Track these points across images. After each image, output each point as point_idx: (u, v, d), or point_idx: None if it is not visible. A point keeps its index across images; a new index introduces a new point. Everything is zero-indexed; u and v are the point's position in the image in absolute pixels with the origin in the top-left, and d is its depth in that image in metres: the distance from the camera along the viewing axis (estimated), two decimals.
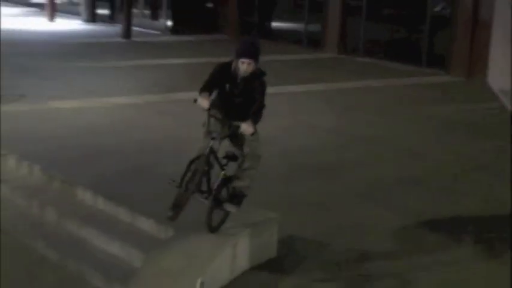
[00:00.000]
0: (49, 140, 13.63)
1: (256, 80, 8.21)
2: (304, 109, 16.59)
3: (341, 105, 17.20)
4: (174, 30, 29.26)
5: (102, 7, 31.96)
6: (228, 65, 8.28)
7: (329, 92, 18.42)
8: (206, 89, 8.14)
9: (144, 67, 21.18)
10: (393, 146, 14.07)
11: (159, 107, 16.37)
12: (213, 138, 8.14)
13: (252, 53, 8.13)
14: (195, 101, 8.17)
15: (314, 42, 25.28)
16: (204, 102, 8.05)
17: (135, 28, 27.46)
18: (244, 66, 8.06)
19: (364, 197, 11.22)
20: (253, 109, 8.11)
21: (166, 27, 29.82)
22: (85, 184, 11.27)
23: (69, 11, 31.85)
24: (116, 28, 27.78)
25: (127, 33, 26.62)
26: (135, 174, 11.63)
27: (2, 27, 27.80)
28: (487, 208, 10.92)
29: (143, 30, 28.54)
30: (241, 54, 8.09)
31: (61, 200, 11.31)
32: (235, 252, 8.84)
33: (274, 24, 28.14)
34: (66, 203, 11.17)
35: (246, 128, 7.98)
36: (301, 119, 15.62)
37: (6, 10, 34.08)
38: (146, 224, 10.06)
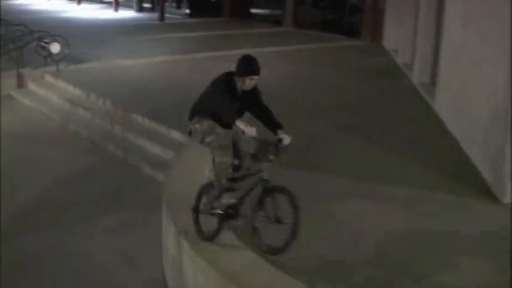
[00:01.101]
0: (115, 83, 14.29)
1: (254, 88, 5.90)
2: (267, 62, 16.62)
3: (292, 60, 17.19)
4: (191, 15, 29.74)
5: (147, 1, 32.54)
6: (232, 85, 5.73)
7: (284, 52, 18.64)
8: (237, 116, 5.62)
9: (173, 38, 21.71)
10: (324, 84, 13.99)
11: (182, 63, 16.82)
12: (269, 161, 5.45)
13: (259, 69, 5.85)
14: (243, 132, 5.44)
15: (277, 20, 25.86)
16: (251, 130, 5.40)
17: (166, 15, 27.84)
18: (252, 82, 5.79)
19: (309, 116, 11.09)
20: (274, 117, 5.81)
21: (186, 13, 30.28)
22: (138, 111, 11.75)
23: (127, 5, 32.46)
24: (155, 15, 28.19)
25: (161, 17, 27.26)
26: (171, 106, 11.85)
27: (84, 16, 29.21)
28: (387, 117, 11.02)
29: (172, 15, 29.01)
30: (251, 71, 5.75)
31: (123, 121, 11.82)
32: None
33: (253, 10, 28.62)
34: (127, 123, 11.66)
35: (288, 138, 5.61)
36: (264, 69, 15.56)
37: (87, 5, 34.67)
38: (176, 135, 10.38)
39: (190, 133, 5.96)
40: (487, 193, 7.63)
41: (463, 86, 9.61)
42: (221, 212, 5.79)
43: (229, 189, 5.74)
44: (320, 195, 7.29)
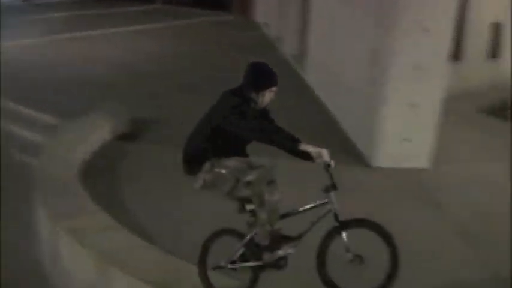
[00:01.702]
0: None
1: None
2: (135, 41, 16.08)
3: (161, 37, 17.01)
4: None
5: None
6: (252, 104, 4.37)
7: (154, 30, 18.24)
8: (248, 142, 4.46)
9: (38, 20, 20.63)
10: (193, 60, 13.94)
11: (44, 45, 16.19)
12: (335, 189, 4.22)
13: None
14: (317, 153, 4.11)
15: None
16: (324, 153, 4.13)
17: None
18: (272, 95, 4.47)
19: (180, 91, 11.10)
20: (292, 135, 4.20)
21: None
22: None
23: None
24: None
25: None
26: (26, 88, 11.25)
27: None
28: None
29: None
30: (272, 82, 4.44)
31: None
32: (103, 130, 8.58)
33: None
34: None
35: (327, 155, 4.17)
36: (132, 47, 15.26)
37: None
38: (47, 118, 9.95)
39: (205, 185, 4.36)
40: (358, 158, 8.06)
41: (332, 56, 10.01)
42: (261, 264, 4.41)
43: (286, 237, 4.37)
44: None
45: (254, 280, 4.42)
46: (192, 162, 4.33)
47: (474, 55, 13.19)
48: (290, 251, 4.33)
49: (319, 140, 8.33)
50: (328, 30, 10.35)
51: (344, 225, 4.11)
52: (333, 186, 4.15)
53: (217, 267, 4.52)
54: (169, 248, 5.42)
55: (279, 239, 4.32)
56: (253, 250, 4.38)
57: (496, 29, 14.14)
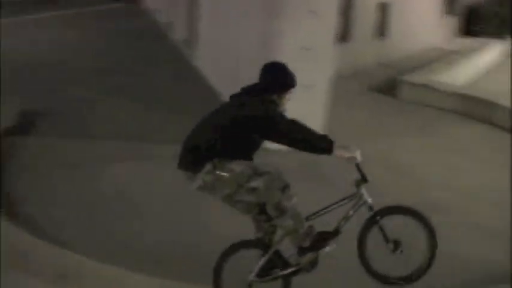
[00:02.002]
0: None
1: None
2: (21, 32, 15.26)
3: (49, 27, 15.99)
4: None
5: None
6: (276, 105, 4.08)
7: (43, 19, 17.52)
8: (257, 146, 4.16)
9: None
10: (83, 49, 13.43)
11: None
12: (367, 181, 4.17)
13: None
14: (352, 158, 3.99)
15: None
16: (358, 155, 4.00)
17: None
18: (290, 95, 4.17)
19: (72, 81, 10.52)
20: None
21: None
22: None
23: None
24: None
25: None
26: None
27: None
28: (150, 76, 10.71)
29: None
30: (293, 82, 4.17)
31: None
32: None
33: None
34: None
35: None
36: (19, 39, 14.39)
37: None
38: None
39: (203, 186, 4.06)
40: None
41: (223, 41, 10.05)
42: (293, 271, 4.21)
43: (326, 232, 4.16)
44: (91, 159, 7.24)
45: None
46: (194, 161, 4.00)
47: (362, 35, 13.58)
48: (334, 245, 4.13)
49: None
50: (218, 14, 10.37)
51: (380, 213, 4.09)
52: (364, 180, 4.11)
53: (250, 282, 4.21)
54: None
55: (321, 236, 4.13)
56: (279, 258, 4.19)
57: (383, 8, 14.62)
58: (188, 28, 13.63)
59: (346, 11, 12.81)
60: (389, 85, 12.12)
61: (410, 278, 4.08)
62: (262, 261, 4.17)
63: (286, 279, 4.21)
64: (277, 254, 4.18)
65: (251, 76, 8.20)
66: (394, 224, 4.07)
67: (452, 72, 13.12)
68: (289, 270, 4.17)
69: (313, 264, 4.14)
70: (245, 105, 3.99)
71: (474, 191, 7.32)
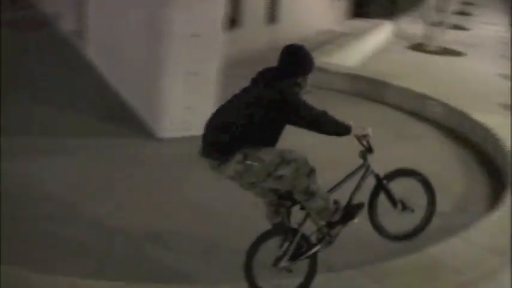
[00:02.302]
0: None
1: None
2: None
3: None
4: None
5: None
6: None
7: None
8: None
9: None
10: None
11: None
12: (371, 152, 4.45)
13: None
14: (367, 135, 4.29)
15: None
16: (369, 132, 4.31)
17: None
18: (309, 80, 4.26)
19: None
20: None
21: None
22: None
23: None
24: None
25: None
26: None
27: None
28: (42, 69, 10.23)
29: None
30: (313, 65, 4.27)
31: None
32: None
33: None
34: None
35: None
36: None
37: None
38: None
39: (233, 176, 4.12)
40: (144, 130, 8.16)
41: (112, 29, 9.92)
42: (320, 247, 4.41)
43: (351, 205, 4.39)
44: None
45: (313, 266, 4.38)
46: (224, 148, 3.99)
47: (253, 20, 13.72)
48: (360, 217, 4.40)
49: (104, 116, 8.48)
50: (106, 2, 10.22)
51: (386, 178, 4.41)
52: (370, 150, 4.34)
53: (275, 265, 4.27)
54: None
55: (348, 210, 4.35)
56: (304, 238, 4.32)
57: None
58: (77, 18, 13.33)
59: None
60: None
61: (414, 234, 4.54)
62: (293, 245, 4.24)
63: (314, 256, 4.35)
64: (303, 235, 4.31)
65: (140, 63, 8.21)
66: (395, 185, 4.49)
67: (343, 54, 13.49)
68: (318, 246, 4.35)
69: (334, 237, 4.38)
70: (274, 89, 3.98)
71: None
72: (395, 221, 4.50)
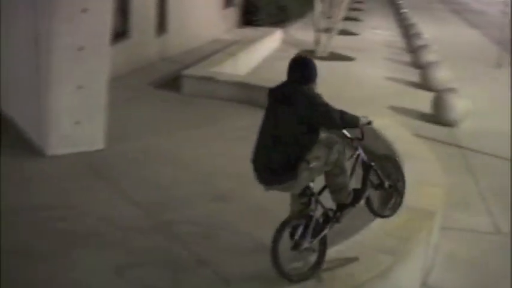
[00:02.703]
0: None
1: None
2: None
3: None
4: None
5: None
6: None
7: None
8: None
9: None
10: None
11: None
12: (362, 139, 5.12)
13: None
14: (370, 122, 5.01)
15: None
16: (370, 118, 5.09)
17: None
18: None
19: None
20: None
21: None
22: None
23: None
24: None
25: None
26: None
27: None
28: None
29: None
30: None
31: None
32: None
33: None
34: None
35: None
36: None
37: None
38: None
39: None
40: (33, 148, 8.03)
41: None
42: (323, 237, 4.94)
43: (357, 192, 5.07)
44: None
45: (325, 244, 4.92)
46: (287, 169, 4.57)
47: (142, 31, 13.74)
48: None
49: None
50: None
51: (374, 161, 5.15)
52: (361, 138, 5.01)
53: (296, 249, 4.77)
54: None
55: (356, 194, 5.00)
56: (317, 221, 4.85)
57: (162, 4, 14.90)
58: None
59: (124, 8, 12.89)
60: (172, 80, 12.41)
61: (394, 210, 5.44)
62: (310, 228, 4.77)
63: (324, 236, 4.92)
64: (317, 219, 4.87)
65: (26, 79, 8.08)
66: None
67: (234, 63, 13.72)
68: (328, 228, 4.93)
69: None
70: (304, 97, 4.59)
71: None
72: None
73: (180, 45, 15.81)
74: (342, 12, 19.02)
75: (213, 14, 19.02)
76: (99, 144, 8.19)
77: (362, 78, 15.26)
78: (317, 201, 4.90)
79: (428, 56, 16.61)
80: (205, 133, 9.42)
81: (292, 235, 4.80)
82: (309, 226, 4.78)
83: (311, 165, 4.58)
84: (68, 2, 7.65)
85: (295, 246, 4.77)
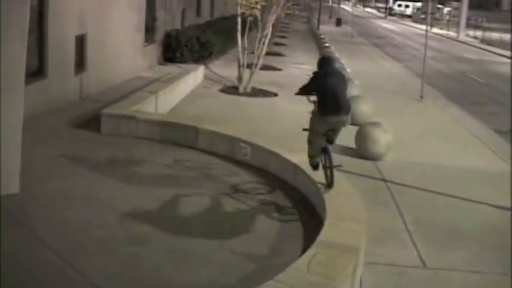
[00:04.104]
0: None
1: None
2: None
3: None
4: None
5: None
6: None
7: None
8: None
9: None
10: None
11: None
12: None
13: None
14: None
15: None
16: None
17: None
18: None
19: None
20: None
21: None
22: None
23: None
24: None
25: None
26: None
27: None
28: None
29: None
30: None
31: None
32: None
33: None
34: None
35: None
36: None
37: None
38: None
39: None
40: None
41: None
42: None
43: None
44: None
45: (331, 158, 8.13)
46: (347, 108, 7.97)
47: (59, 70, 13.53)
48: None
49: None
50: None
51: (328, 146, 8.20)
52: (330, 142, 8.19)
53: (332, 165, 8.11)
54: None
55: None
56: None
57: (81, 41, 14.73)
58: None
59: (41, 46, 12.70)
60: (91, 119, 12.24)
61: (328, 185, 8.13)
62: (328, 156, 8.10)
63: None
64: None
65: None
66: None
67: (155, 101, 13.65)
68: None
69: None
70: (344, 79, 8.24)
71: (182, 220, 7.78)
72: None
73: (99, 83, 15.66)
74: (265, 48, 19.22)
75: (133, 50, 18.96)
76: (13, 187, 7.98)
77: (285, 113, 15.44)
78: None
79: (351, 90, 16.98)
80: (123, 173, 9.31)
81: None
82: (328, 155, 8.10)
83: (348, 115, 7.98)
84: None
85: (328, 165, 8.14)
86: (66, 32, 13.85)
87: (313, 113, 8.12)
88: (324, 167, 8.17)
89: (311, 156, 8.31)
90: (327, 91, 7.75)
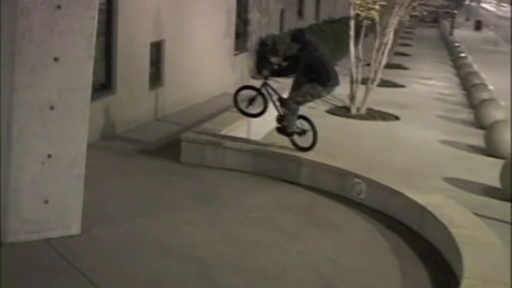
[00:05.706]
0: None
1: None
2: None
3: None
4: None
5: None
6: None
7: None
8: None
9: None
10: None
11: None
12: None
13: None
14: None
15: None
16: None
17: None
18: None
19: None
20: None
21: None
22: None
23: None
24: None
25: None
26: None
27: None
28: None
29: None
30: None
31: None
32: None
33: None
34: None
35: None
36: None
37: None
38: None
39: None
40: None
41: None
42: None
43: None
44: None
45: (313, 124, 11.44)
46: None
47: (130, 85, 13.71)
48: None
49: None
50: None
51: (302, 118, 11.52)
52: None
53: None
54: None
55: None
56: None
57: (157, 51, 14.90)
58: None
59: (107, 56, 12.96)
60: (169, 145, 12.37)
61: (311, 147, 11.16)
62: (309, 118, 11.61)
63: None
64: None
65: None
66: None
67: (247, 123, 13.60)
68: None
69: None
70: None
71: None
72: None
73: (179, 101, 15.85)
74: (384, 58, 19.03)
75: (220, 60, 19.12)
76: (73, 228, 8.12)
77: (409, 141, 15.21)
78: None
79: (495, 113, 16.59)
80: (206, 213, 9.37)
81: None
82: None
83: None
84: (35, 49, 7.60)
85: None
86: (139, 37, 14.09)
87: (302, 83, 10.93)
88: (299, 133, 11.24)
89: (291, 125, 11.09)
90: (325, 62, 10.86)
